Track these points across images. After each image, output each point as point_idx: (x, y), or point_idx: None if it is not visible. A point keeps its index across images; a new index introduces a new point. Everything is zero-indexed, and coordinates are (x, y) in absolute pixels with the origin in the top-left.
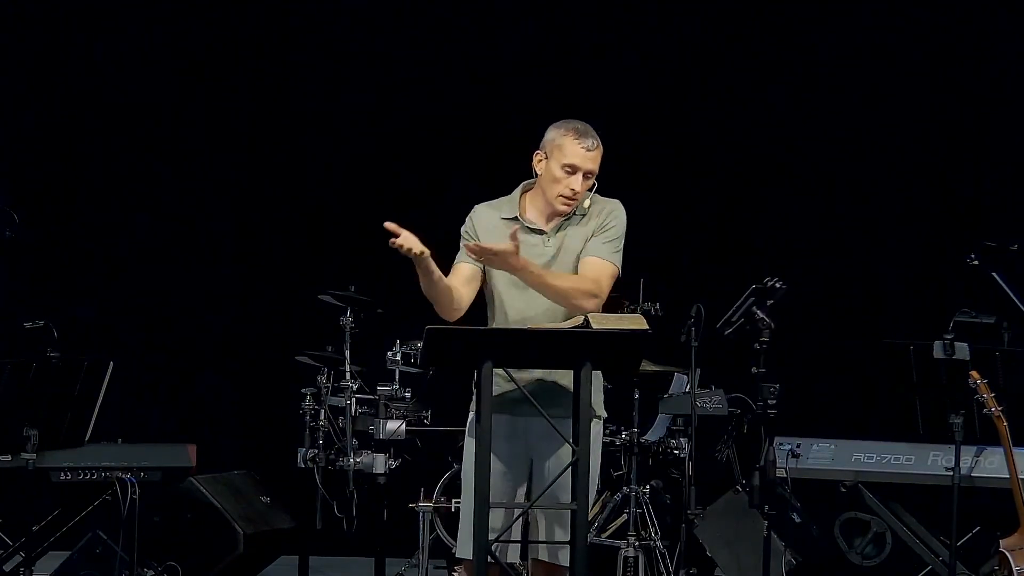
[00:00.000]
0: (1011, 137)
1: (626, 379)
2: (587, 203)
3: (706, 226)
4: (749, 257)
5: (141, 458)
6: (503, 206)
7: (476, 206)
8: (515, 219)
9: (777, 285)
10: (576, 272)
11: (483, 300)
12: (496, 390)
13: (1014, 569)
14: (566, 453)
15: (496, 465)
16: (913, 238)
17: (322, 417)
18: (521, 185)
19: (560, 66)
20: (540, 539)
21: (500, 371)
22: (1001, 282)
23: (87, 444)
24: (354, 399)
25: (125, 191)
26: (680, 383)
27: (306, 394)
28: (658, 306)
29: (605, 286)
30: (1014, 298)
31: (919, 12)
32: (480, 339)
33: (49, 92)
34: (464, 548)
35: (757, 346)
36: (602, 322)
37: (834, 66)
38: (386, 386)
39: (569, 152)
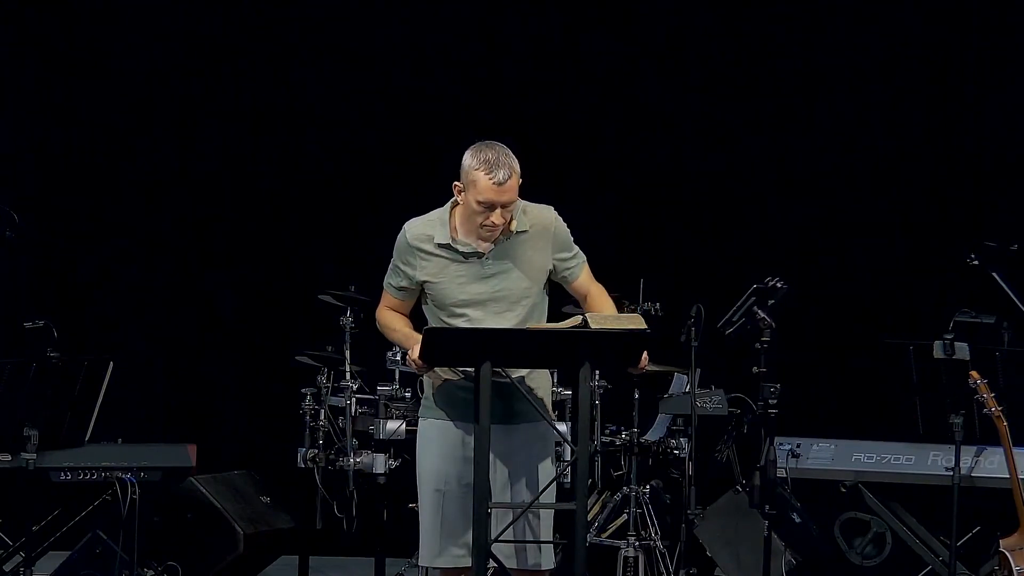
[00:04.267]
0: (1011, 137)
1: (626, 379)
2: (513, 224)
3: (707, 226)
4: (749, 257)
5: (141, 458)
6: (435, 227)
7: (406, 224)
8: (448, 246)
9: (778, 285)
10: (530, 286)
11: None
12: (448, 398)
13: (1014, 569)
14: (522, 457)
15: (453, 471)
16: (913, 238)
17: (322, 417)
18: (451, 201)
19: (559, 63)
20: (525, 540)
21: (454, 375)
22: (1001, 282)
23: (87, 444)
24: (354, 399)
25: (125, 190)
26: (680, 383)
27: (306, 394)
28: (658, 306)
29: None
30: (1014, 298)
31: (919, 11)
32: (479, 339)
33: (49, 90)
34: (430, 556)
35: (758, 346)
36: (601, 322)
37: (833, 65)
38: (386, 386)
39: (481, 189)
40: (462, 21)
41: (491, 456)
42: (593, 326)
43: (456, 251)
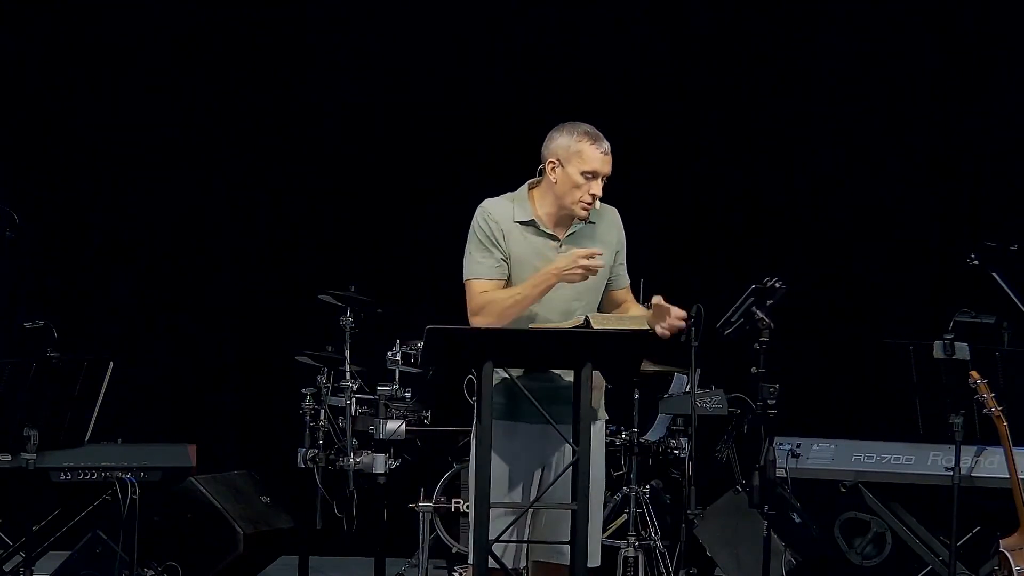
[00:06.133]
0: (1011, 137)
1: (626, 379)
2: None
3: (706, 226)
4: (749, 257)
5: (141, 458)
6: (514, 207)
7: (484, 203)
8: (531, 223)
9: (777, 285)
10: (597, 280)
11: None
12: (507, 394)
13: (1014, 569)
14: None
15: (505, 470)
16: (913, 238)
17: (322, 417)
18: (527, 184)
19: (561, 63)
20: (541, 540)
21: (508, 373)
22: (1001, 282)
23: (87, 444)
24: (354, 399)
25: (125, 190)
26: (680, 383)
27: (306, 394)
28: None
29: None
30: (1014, 298)
31: (919, 12)
32: (481, 339)
33: (49, 89)
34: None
35: (757, 346)
36: (603, 322)
37: (834, 65)
38: (386, 386)
39: (588, 158)
40: (469, 24)
41: (549, 455)
42: (595, 326)
43: (538, 228)
